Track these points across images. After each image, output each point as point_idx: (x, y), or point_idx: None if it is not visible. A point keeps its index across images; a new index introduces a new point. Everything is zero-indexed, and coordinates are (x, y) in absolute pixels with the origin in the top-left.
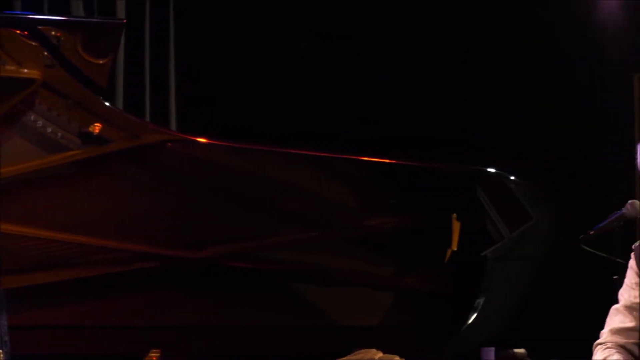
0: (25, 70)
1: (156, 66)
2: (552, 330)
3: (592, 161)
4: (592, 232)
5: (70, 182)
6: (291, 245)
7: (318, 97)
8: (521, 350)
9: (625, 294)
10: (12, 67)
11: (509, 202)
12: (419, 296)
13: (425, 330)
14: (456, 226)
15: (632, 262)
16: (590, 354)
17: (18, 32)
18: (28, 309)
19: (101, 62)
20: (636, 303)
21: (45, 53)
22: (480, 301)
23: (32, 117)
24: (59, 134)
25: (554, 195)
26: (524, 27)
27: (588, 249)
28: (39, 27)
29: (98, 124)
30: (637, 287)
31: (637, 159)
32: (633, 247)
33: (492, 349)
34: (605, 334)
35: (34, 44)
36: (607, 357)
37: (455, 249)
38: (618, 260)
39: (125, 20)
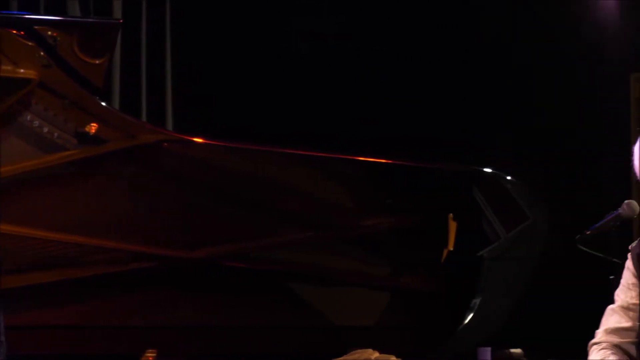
0: (22, 70)
1: (152, 66)
2: (548, 330)
3: (588, 161)
4: (588, 232)
5: (67, 182)
6: (288, 245)
7: (315, 97)
8: (518, 350)
9: (622, 294)
10: (9, 67)
11: (506, 202)
12: (416, 296)
13: (422, 330)
14: (453, 226)
15: (628, 263)
16: (587, 353)
17: (14, 32)
18: (24, 309)
19: (97, 62)
20: (632, 304)
21: (42, 53)
22: (477, 301)
23: (29, 117)
24: (56, 134)
25: (550, 195)
26: (521, 27)
27: (584, 249)
28: (35, 27)
29: (94, 124)
30: (634, 288)
31: (633, 159)
32: (630, 247)
33: (489, 349)
34: (600, 334)
35: (30, 44)
36: (604, 358)
37: (452, 249)
38: (614, 260)
39: (121, 20)
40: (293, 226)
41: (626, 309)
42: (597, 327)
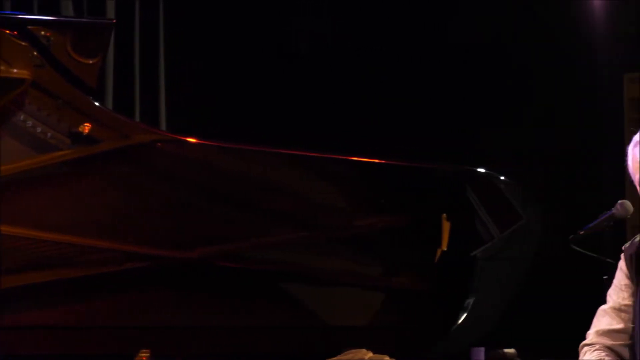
0: (15, 70)
1: (146, 66)
2: (542, 330)
3: (581, 161)
4: (582, 232)
5: (60, 182)
6: (282, 245)
7: (308, 97)
8: (511, 350)
9: (614, 295)
10: (2, 67)
11: (499, 202)
12: (409, 296)
13: (415, 330)
14: (446, 226)
15: (621, 263)
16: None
17: (8, 31)
18: (17, 310)
19: (91, 62)
20: (624, 305)
21: (35, 53)
22: (470, 301)
23: (22, 117)
24: (49, 134)
25: (544, 195)
26: (515, 28)
27: (578, 249)
28: (29, 26)
29: (88, 124)
30: (626, 289)
31: (627, 160)
32: (623, 248)
33: (482, 349)
34: (591, 335)
35: (23, 43)
36: (599, 358)
37: (445, 249)
38: (608, 260)
39: (115, 20)
40: (286, 226)
41: (618, 310)
42: (590, 327)
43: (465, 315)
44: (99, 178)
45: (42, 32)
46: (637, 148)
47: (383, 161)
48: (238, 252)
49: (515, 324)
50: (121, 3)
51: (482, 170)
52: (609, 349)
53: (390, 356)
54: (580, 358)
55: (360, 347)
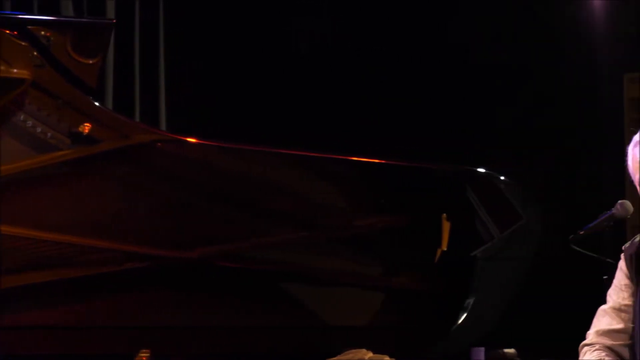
0: (15, 70)
1: (146, 66)
2: (542, 330)
3: (581, 161)
4: (582, 232)
5: (60, 182)
6: (282, 245)
7: (308, 97)
8: (511, 350)
9: (614, 295)
10: (2, 67)
11: (499, 202)
12: (409, 296)
13: (415, 330)
14: (446, 226)
15: (621, 263)
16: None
17: (8, 31)
18: (17, 310)
19: (91, 62)
20: (624, 305)
21: (35, 53)
22: (470, 301)
23: (22, 117)
24: (49, 134)
25: (544, 195)
26: (515, 28)
27: (578, 249)
28: (29, 26)
29: (88, 124)
30: (626, 289)
31: (627, 160)
32: (623, 248)
33: (482, 349)
34: (591, 335)
35: (23, 43)
36: (599, 358)
37: (445, 249)
38: (608, 260)
39: (114, 20)
40: (286, 226)
41: (618, 310)
42: (590, 327)
43: (465, 315)
44: (99, 178)
45: (42, 32)
46: (637, 148)
47: (383, 161)
48: (238, 252)
49: (515, 324)
50: (121, 3)
51: (482, 170)
52: (609, 349)
53: (390, 356)
54: (580, 358)
55: (360, 347)
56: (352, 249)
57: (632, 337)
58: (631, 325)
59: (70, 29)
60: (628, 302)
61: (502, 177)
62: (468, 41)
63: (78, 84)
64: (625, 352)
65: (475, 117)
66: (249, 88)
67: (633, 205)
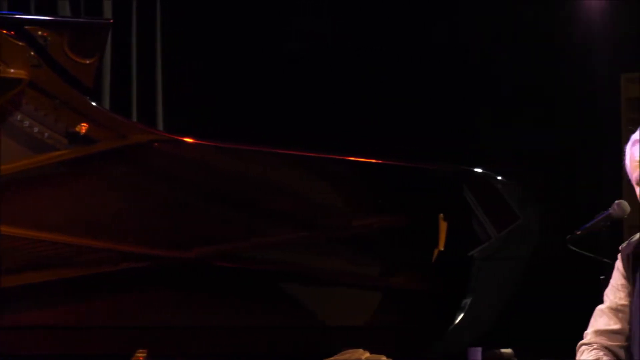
0: (12, 70)
1: (143, 66)
2: (539, 330)
3: (579, 161)
4: (579, 232)
5: (57, 182)
6: (280, 245)
7: (306, 97)
8: (508, 351)
9: (611, 295)
10: None
11: (496, 202)
12: (406, 296)
13: (412, 331)
14: (443, 226)
15: (618, 263)
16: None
17: (4, 31)
18: (17, 310)
19: (88, 62)
20: (621, 305)
21: (32, 53)
22: (468, 301)
23: (19, 117)
24: (46, 134)
25: (541, 195)
26: (514, 28)
27: (575, 249)
28: (26, 26)
29: (85, 124)
30: (623, 289)
31: (624, 159)
32: (620, 248)
33: (479, 349)
34: (589, 335)
35: (20, 43)
36: (597, 358)
37: (443, 249)
38: (605, 260)
39: (112, 20)
40: (285, 226)
41: (615, 310)
42: (587, 327)
43: (462, 315)
44: (96, 178)
45: (39, 32)
46: (635, 147)
47: (381, 161)
48: (236, 252)
49: (513, 324)
50: (118, 3)
51: (479, 170)
52: (607, 349)
53: (388, 356)
54: (577, 357)
55: (358, 347)
56: (351, 249)
57: (628, 337)
58: (628, 325)
59: (67, 29)
60: (625, 302)
61: (499, 177)
62: (467, 41)
63: (75, 83)
64: (622, 354)
65: (474, 117)
66: (247, 88)
67: (630, 205)
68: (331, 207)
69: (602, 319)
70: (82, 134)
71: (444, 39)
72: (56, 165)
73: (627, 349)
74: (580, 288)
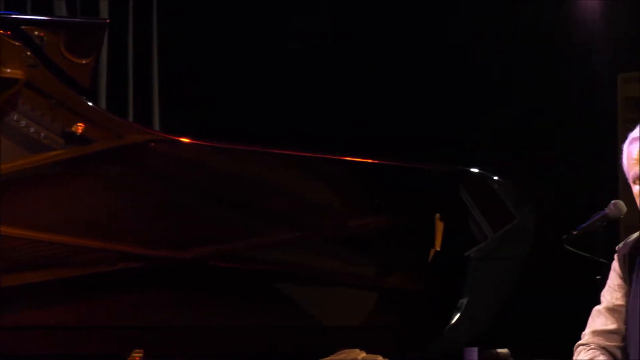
0: (9, 70)
1: (139, 66)
2: (535, 330)
3: (575, 161)
4: (575, 232)
5: (54, 182)
6: (277, 245)
7: (302, 97)
8: (504, 350)
9: (608, 296)
10: None
11: (492, 202)
12: (403, 296)
13: (409, 330)
14: (440, 226)
15: (614, 264)
16: (574, 354)
17: (1, 31)
18: (17, 310)
19: (84, 62)
20: (618, 305)
21: (29, 53)
22: (464, 301)
23: (15, 117)
24: (42, 134)
25: (537, 195)
26: (512, 28)
27: (571, 249)
28: (22, 26)
29: (81, 124)
30: (619, 289)
31: (622, 158)
32: (616, 248)
33: (475, 349)
34: (586, 335)
35: (17, 43)
36: (593, 357)
37: (439, 249)
38: (601, 260)
39: (108, 20)
40: (281, 226)
41: (612, 310)
42: (583, 327)
43: (458, 315)
44: (92, 178)
45: (36, 32)
46: (633, 145)
47: (378, 161)
48: (233, 252)
49: (509, 324)
50: (114, 3)
51: (475, 170)
52: (604, 349)
53: (384, 356)
54: (574, 358)
55: (354, 346)
56: (347, 249)
57: (625, 337)
58: (624, 325)
59: (63, 29)
60: (622, 302)
61: (495, 177)
62: (466, 41)
63: (71, 83)
64: (619, 354)
65: (471, 117)
66: (244, 88)
67: (627, 205)
68: (327, 207)
69: (599, 319)
70: (78, 133)
71: (443, 39)
72: (52, 165)
73: (624, 349)
74: (576, 288)
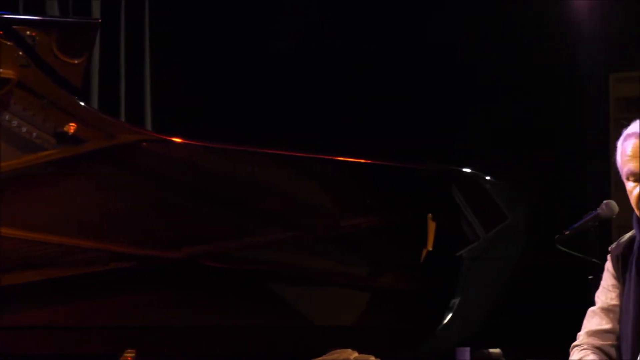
0: (0, 70)
1: (131, 66)
2: (527, 330)
3: (567, 161)
4: (567, 232)
5: (46, 182)
6: (269, 245)
7: (293, 96)
8: (496, 350)
9: (602, 296)
10: None
11: (485, 202)
12: (395, 296)
13: (401, 330)
14: (432, 226)
15: (608, 264)
16: (566, 354)
17: None
18: (17, 310)
19: (76, 61)
20: (612, 305)
21: (20, 53)
22: (456, 301)
23: (7, 117)
24: (34, 134)
25: (529, 195)
26: (503, 27)
27: (563, 249)
28: (14, 26)
29: (73, 124)
30: (613, 289)
31: (616, 155)
32: (609, 249)
33: (467, 349)
34: (581, 336)
35: (8, 43)
36: (582, 357)
37: (431, 248)
38: (593, 260)
39: (100, 20)
40: (274, 226)
41: (607, 310)
42: (576, 327)
43: (450, 315)
44: (84, 178)
45: (28, 32)
46: (627, 141)
47: (370, 161)
48: (226, 252)
49: (501, 324)
50: (107, 3)
51: (467, 170)
52: (598, 349)
53: (376, 356)
54: (569, 359)
55: (346, 347)
56: (339, 249)
57: (618, 337)
58: (619, 325)
59: (55, 29)
60: (616, 302)
61: (487, 177)
62: (455, 40)
63: (63, 83)
64: (614, 353)
65: (462, 116)
66: (236, 87)
67: (619, 205)
68: (319, 207)
69: (594, 320)
70: (70, 133)
71: (433, 39)
72: (44, 165)
73: (619, 348)
74: (568, 288)
